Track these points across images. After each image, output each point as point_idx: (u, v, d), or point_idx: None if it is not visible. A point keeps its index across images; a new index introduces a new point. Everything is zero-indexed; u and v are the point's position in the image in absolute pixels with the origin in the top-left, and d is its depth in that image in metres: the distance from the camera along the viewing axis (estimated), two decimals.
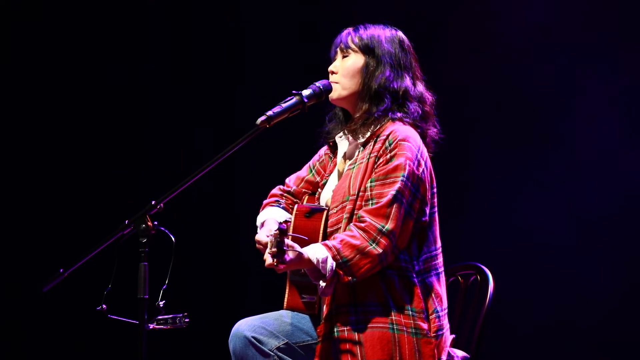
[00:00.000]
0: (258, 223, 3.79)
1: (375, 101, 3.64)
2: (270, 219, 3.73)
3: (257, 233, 3.74)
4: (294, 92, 3.63)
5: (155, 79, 6.10)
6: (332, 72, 3.70)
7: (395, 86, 3.64)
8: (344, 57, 3.70)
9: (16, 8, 5.97)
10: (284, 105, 3.60)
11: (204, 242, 6.07)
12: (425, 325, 3.51)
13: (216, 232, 6.09)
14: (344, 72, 3.68)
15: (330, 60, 3.75)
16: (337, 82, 3.69)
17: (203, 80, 6.11)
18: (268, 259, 3.35)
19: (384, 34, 3.69)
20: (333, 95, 3.69)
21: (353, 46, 3.68)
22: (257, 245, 3.63)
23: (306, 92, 3.64)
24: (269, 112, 3.56)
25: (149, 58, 6.10)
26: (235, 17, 6.09)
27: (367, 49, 3.67)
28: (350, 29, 3.72)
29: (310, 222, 3.62)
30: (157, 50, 6.10)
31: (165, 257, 3.46)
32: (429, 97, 3.70)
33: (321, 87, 3.66)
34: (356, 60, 3.68)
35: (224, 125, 6.03)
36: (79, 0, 6.04)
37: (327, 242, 3.46)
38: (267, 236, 3.43)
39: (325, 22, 5.84)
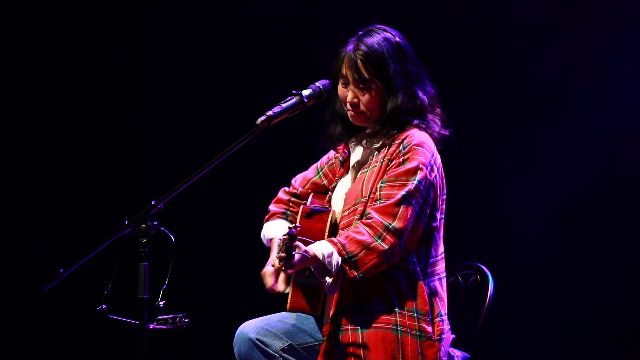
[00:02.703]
0: (264, 235, 3.80)
1: (394, 123, 3.62)
2: (277, 238, 3.72)
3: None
4: (294, 92, 3.63)
5: (155, 78, 6.10)
6: (354, 103, 3.64)
7: (411, 107, 3.62)
8: (361, 89, 3.62)
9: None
10: (284, 105, 3.59)
11: (204, 242, 6.07)
12: (429, 328, 3.51)
13: (216, 231, 6.09)
14: (368, 105, 3.63)
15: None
16: (363, 113, 3.64)
17: (203, 80, 6.11)
18: (276, 263, 3.36)
19: (387, 50, 3.63)
20: (360, 122, 3.67)
21: (368, 76, 3.60)
22: (261, 275, 3.63)
23: (306, 92, 3.64)
24: (269, 112, 3.55)
25: (148, 58, 6.10)
26: (235, 17, 6.09)
27: (380, 75, 3.61)
28: (352, 49, 3.64)
29: (315, 224, 3.62)
30: (156, 51, 6.10)
31: (165, 257, 3.45)
32: (434, 92, 3.69)
33: (321, 87, 3.66)
34: (376, 92, 3.62)
35: (224, 125, 6.03)
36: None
37: (332, 238, 3.47)
38: (277, 240, 3.44)
39: (326, 21, 5.85)
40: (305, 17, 5.98)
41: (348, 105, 3.66)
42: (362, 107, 3.64)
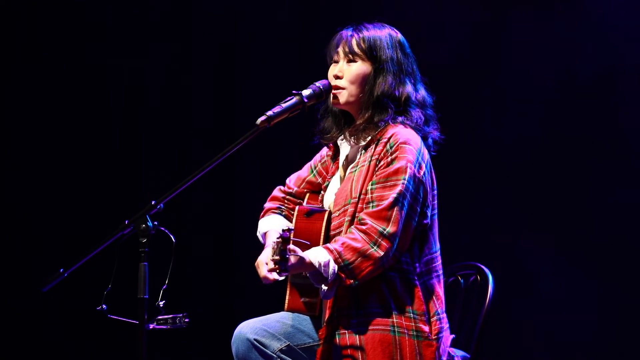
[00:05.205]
0: (259, 231, 3.78)
1: (378, 109, 3.62)
2: (273, 230, 3.72)
3: (258, 240, 3.75)
4: (294, 92, 3.63)
5: (154, 78, 6.10)
6: (337, 77, 3.67)
7: (397, 94, 3.62)
8: (349, 61, 3.66)
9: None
10: (284, 105, 3.59)
11: (204, 242, 6.07)
12: (426, 328, 3.51)
13: (216, 232, 6.09)
14: (351, 79, 3.64)
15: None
16: (343, 88, 3.65)
17: (203, 80, 6.11)
18: (270, 265, 3.36)
19: (385, 38, 3.66)
20: (339, 100, 3.66)
21: (359, 52, 3.64)
22: (255, 265, 3.59)
23: (306, 92, 3.63)
24: (269, 112, 3.55)
25: (147, 58, 6.10)
26: (234, 16, 6.09)
27: (371, 55, 3.64)
28: (351, 30, 3.68)
29: (312, 224, 3.62)
30: (156, 49, 6.10)
31: (165, 257, 3.45)
32: (429, 99, 3.70)
33: (321, 87, 3.65)
34: (362, 67, 3.64)
35: (224, 125, 6.03)
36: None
37: (328, 245, 3.46)
38: (271, 243, 3.43)
39: (326, 21, 5.85)
40: (305, 17, 5.98)
41: (332, 83, 3.66)
42: (344, 81, 3.65)
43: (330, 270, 3.41)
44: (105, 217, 5.86)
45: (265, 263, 3.49)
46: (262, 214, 3.86)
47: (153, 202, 3.38)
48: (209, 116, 6.09)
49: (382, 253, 3.44)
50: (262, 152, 5.89)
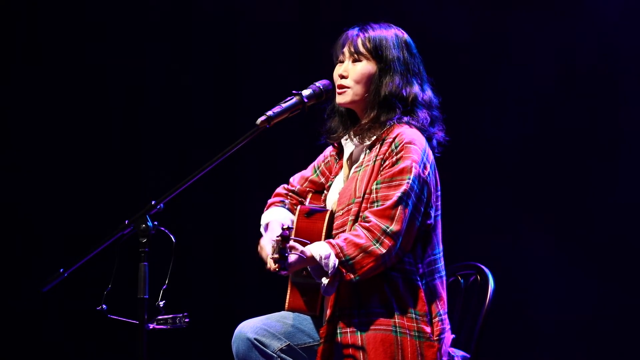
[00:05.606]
0: (262, 223, 3.79)
1: (385, 109, 3.63)
2: (275, 221, 3.73)
3: (260, 234, 3.75)
4: (294, 92, 3.63)
5: (154, 78, 6.10)
6: (342, 76, 3.68)
7: (405, 94, 3.63)
8: (354, 61, 3.67)
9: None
10: (284, 105, 3.59)
11: (204, 242, 6.07)
12: (428, 329, 3.51)
13: (216, 232, 6.09)
14: (356, 78, 3.65)
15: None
16: (348, 87, 3.66)
17: (203, 80, 6.11)
18: (271, 264, 3.36)
19: (391, 38, 3.66)
20: (343, 99, 3.67)
21: (364, 51, 3.64)
22: (259, 249, 3.63)
23: (306, 92, 3.64)
24: (269, 112, 3.55)
25: (147, 58, 6.09)
26: (234, 16, 6.09)
27: (377, 55, 3.64)
28: (357, 30, 3.68)
29: (313, 224, 3.62)
30: (155, 49, 6.10)
31: (165, 257, 3.45)
32: (435, 100, 3.70)
33: (321, 87, 3.66)
34: (367, 66, 3.65)
35: (224, 125, 6.03)
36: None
37: (330, 240, 3.47)
38: (271, 241, 3.44)
39: (326, 21, 5.85)
40: (305, 17, 5.98)
41: (337, 82, 3.67)
42: (349, 80, 3.65)
43: (331, 264, 3.40)
44: (105, 217, 5.85)
45: (267, 252, 3.51)
46: (265, 208, 3.86)
47: (153, 202, 3.38)
48: (209, 116, 6.09)
49: (384, 250, 3.44)
50: (262, 152, 5.88)
